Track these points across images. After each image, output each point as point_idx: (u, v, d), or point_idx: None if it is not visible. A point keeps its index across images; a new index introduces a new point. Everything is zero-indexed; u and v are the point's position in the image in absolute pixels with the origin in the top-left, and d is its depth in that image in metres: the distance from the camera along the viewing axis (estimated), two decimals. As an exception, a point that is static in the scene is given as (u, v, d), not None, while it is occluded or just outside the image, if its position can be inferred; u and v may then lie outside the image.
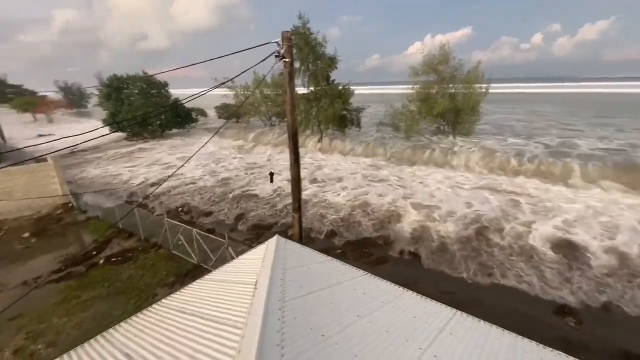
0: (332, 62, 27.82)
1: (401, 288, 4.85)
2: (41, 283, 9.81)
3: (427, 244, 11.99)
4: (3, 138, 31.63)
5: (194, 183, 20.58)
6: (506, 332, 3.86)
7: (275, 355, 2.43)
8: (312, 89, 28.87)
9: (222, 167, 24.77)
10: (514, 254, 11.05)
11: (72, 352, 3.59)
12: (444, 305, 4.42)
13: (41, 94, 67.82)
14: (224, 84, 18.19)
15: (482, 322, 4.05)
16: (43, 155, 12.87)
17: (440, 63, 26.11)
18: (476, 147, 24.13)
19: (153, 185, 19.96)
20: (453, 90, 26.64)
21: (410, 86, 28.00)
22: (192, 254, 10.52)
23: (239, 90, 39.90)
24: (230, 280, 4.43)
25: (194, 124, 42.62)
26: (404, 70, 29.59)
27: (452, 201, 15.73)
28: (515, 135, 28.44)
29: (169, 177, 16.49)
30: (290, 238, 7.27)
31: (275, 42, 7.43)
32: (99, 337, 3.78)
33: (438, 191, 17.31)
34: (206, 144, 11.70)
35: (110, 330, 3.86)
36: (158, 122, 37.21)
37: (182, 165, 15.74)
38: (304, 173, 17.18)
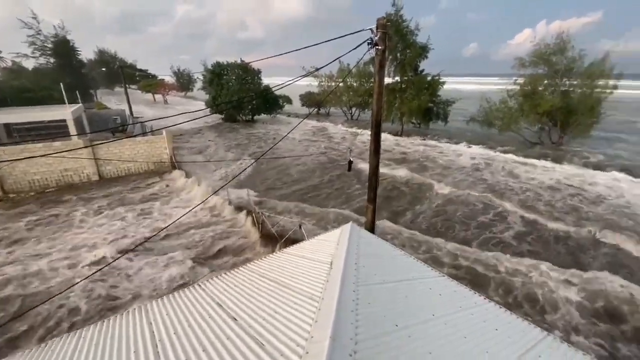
0: (422, 50, 26.31)
1: (482, 297, 4.46)
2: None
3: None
4: (131, 113, 38.34)
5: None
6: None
7: (349, 332, 2.49)
8: (397, 79, 27.86)
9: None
10: None
11: (175, 294, 4.27)
12: (532, 325, 3.94)
13: (160, 77, 79.78)
14: (311, 73, 18.86)
15: (580, 352, 3.50)
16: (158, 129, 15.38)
17: (555, 53, 22.44)
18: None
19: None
20: (567, 87, 22.73)
21: (512, 79, 24.81)
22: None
23: (323, 80, 40.81)
24: (306, 257, 4.67)
25: (280, 110, 45.27)
26: (506, 61, 26.51)
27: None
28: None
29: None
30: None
31: (369, 29, 7.34)
32: (195, 285, 4.41)
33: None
34: (300, 122, 13.42)
35: (205, 281, 4.47)
36: (249, 107, 40.58)
37: (280, 140, 17.18)
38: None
